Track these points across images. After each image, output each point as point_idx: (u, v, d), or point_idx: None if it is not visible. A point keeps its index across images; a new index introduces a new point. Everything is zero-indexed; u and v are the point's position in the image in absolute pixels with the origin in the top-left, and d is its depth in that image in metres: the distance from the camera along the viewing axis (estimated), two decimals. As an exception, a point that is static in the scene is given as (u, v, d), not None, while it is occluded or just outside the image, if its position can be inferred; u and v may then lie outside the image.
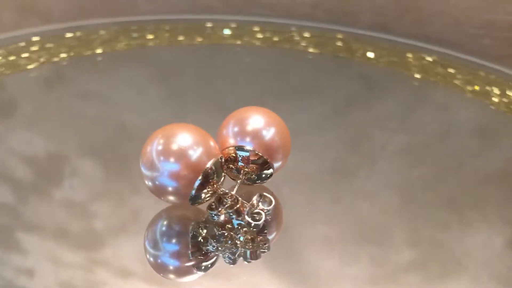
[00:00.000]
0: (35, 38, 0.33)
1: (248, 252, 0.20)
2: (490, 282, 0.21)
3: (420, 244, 0.22)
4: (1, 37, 0.33)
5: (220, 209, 0.20)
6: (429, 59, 0.34)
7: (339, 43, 0.35)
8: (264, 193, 0.20)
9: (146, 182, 0.20)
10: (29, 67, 0.31)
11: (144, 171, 0.20)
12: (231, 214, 0.20)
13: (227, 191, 0.20)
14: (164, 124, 0.27)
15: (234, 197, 0.20)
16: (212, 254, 0.20)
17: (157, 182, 0.20)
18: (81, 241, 0.21)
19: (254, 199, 0.20)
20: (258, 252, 0.20)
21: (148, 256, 0.20)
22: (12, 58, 0.32)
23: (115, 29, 0.35)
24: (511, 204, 0.24)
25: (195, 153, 0.20)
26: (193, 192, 0.20)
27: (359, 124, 0.28)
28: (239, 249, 0.20)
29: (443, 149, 0.27)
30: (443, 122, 0.29)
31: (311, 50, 0.34)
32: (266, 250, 0.20)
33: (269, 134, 0.21)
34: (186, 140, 0.20)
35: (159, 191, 0.20)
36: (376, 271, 0.21)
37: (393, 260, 0.21)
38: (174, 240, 0.21)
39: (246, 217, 0.20)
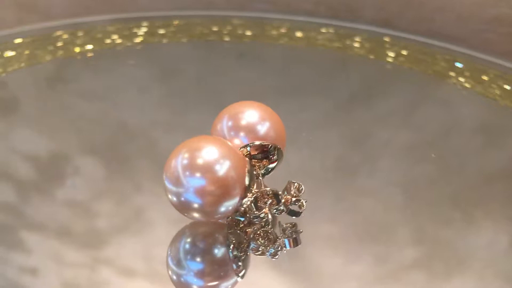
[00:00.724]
0: (35, 35, 0.33)
1: (287, 240, 0.20)
2: (495, 280, 0.21)
3: (424, 242, 0.22)
4: (2, 34, 0.33)
5: (264, 209, 0.20)
6: (432, 54, 0.34)
7: (341, 40, 0.35)
8: (292, 180, 0.20)
9: (170, 197, 0.19)
10: (30, 65, 0.31)
11: (169, 186, 0.19)
12: (277, 209, 0.20)
13: (264, 189, 0.20)
14: (166, 122, 0.28)
15: (273, 192, 0.20)
16: (257, 253, 0.20)
17: (182, 199, 0.19)
18: (84, 240, 0.21)
19: (292, 188, 0.20)
20: (296, 237, 0.20)
21: (170, 273, 0.20)
22: (12, 55, 0.32)
23: (116, 26, 0.35)
24: (515, 201, 0.24)
25: (221, 168, 0.19)
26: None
27: (361, 122, 0.28)
28: (277, 241, 0.20)
29: (447, 146, 0.27)
30: (446, 119, 0.29)
31: (313, 47, 0.34)
32: (301, 231, 0.20)
33: (264, 128, 0.21)
34: (213, 154, 0.19)
35: (183, 207, 0.19)
36: (380, 270, 0.21)
37: (397, 258, 0.21)
38: (198, 259, 0.20)
39: (290, 207, 0.20)
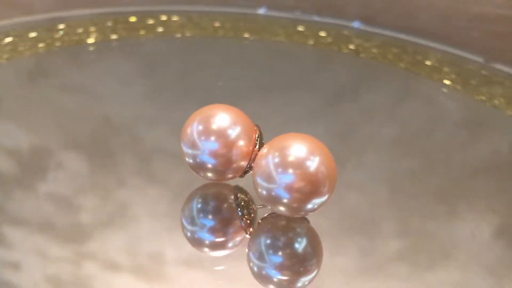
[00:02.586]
0: (16, 30, 0.33)
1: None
2: (478, 272, 0.21)
3: (409, 235, 0.22)
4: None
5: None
6: (417, 51, 0.34)
7: (326, 36, 0.35)
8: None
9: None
10: (11, 59, 0.31)
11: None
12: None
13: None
14: (150, 117, 0.27)
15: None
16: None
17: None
18: (68, 234, 0.21)
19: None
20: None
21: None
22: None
23: (99, 20, 0.34)
24: (498, 195, 0.24)
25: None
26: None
27: (347, 117, 0.28)
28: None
29: (431, 141, 0.27)
30: (431, 115, 0.29)
31: (298, 42, 0.34)
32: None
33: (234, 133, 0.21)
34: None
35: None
36: (365, 262, 0.21)
37: (381, 250, 0.21)
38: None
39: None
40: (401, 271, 0.21)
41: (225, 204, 0.22)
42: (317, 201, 0.19)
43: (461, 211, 0.23)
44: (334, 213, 0.23)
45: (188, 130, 0.21)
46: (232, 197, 0.22)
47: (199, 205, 0.21)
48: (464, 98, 0.30)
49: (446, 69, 0.32)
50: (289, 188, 0.19)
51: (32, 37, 0.33)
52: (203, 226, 0.21)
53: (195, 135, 0.20)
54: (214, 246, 0.21)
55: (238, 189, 0.22)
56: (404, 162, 0.26)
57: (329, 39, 0.35)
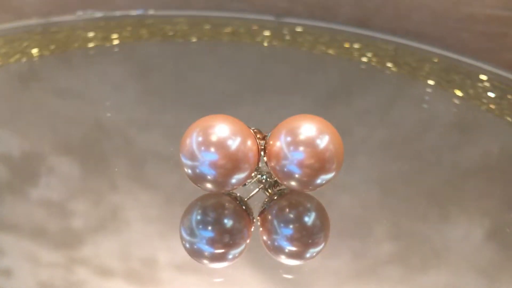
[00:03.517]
0: (7, 35, 0.33)
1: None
2: (470, 273, 0.21)
3: (401, 237, 0.22)
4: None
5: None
6: (408, 53, 0.34)
7: (317, 38, 0.35)
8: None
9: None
10: (2, 64, 0.31)
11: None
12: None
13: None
14: (142, 121, 0.27)
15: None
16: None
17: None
18: (60, 240, 0.21)
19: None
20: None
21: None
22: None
23: (90, 25, 0.34)
24: (489, 197, 0.24)
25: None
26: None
27: (339, 119, 0.28)
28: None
29: (423, 143, 0.27)
30: (422, 117, 0.29)
31: (290, 45, 0.34)
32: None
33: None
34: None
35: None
36: (357, 264, 0.21)
37: (374, 253, 0.21)
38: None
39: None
40: (393, 273, 0.21)
41: (225, 215, 0.22)
42: (325, 177, 0.21)
43: (453, 213, 0.23)
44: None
45: (188, 141, 0.20)
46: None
47: (199, 217, 0.21)
48: (455, 100, 0.30)
49: (436, 70, 0.32)
50: (300, 164, 0.20)
51: (24, 41, 0.32)
52: (202, 238, 0.21)
53: (195, 146, 0.20)
54: (214, 258, 0.21)
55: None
56: (396, 165, 0.26)
57: (319, 41, 0.35)
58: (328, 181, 0.21)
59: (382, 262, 0.21)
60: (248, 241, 0.21)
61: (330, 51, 0.34)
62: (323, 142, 0.20)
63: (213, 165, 0.20)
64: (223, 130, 0.20)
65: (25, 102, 0.29)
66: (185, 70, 0.32)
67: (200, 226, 0.21)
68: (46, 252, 0.20)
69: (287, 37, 0.35)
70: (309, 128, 0.21)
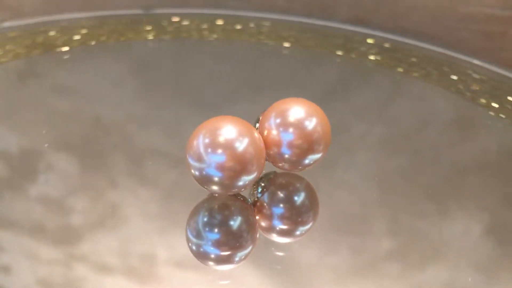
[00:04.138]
0: (6, 33, 0.33)
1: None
2: (469, 270, 0.21)
3: (399, 233, 0.22)
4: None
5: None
6: (407, 51, 0.34)
7: (316, 36, 0.35)
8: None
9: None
10: (1, 61, 0.31)
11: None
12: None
13: None
14: (141, 117, 0.27)
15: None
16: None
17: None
18: (59, 236, 0.21)
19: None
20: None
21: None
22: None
23: (89, 23, 0.34)
24: (488, 193, 0.24)
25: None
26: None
27: (337, 116, 0.28)
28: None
29: (421, 140, 0.27)
30: (420, 114, 0.29)
31: (288, 43, 0.34)
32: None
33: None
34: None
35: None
36: (356, 261, 0.21)
37: (372, 249, 0.21)
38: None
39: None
40: (392, 270, 0.21)
41: (232, 217, 0.21)
42: (313, 157, 0.21)
43: (451, 210, 0.23)
44: (324, 212, 0.23)
45: (195, 143, 0.20)
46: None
47: (205, 219, 0.21)
48: (454, 97, 0.30)
49: (435, 69, 0.33)
50: (289, 146, 0.21)
51: (22, 39, 0.32)
52: (208, 240, 0.21)
53: (202, 148, 0.20)
54: (220, 260, 0.21)
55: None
56: (394, 161, 0.26)
57: (318, 40, 0.35)
58: (316, 161, 0.22)
59: (381, 259, 0.21)
60: (255, 242, 0.21)
61: (326, 49, 0.34)
62: (311, 123, 0.21)
63: (220, 167, 0.20)
64: (230, 132, 0.20)
65: (24, 100, 0.29)
66: (183, 67, 0.32)
67: (207, 228, 0.21)
68: (45, 249, 0.20)
69: (284, 35, 0.35)
70: (298, 111, 0.21)
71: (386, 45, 0.34)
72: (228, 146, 0.20)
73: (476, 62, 0.33)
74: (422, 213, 0.23)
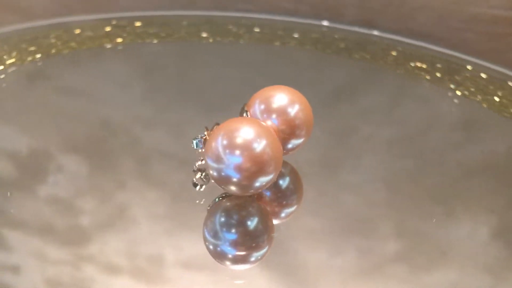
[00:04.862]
0: (16, 35, 0.33)
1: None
2: (475, 272, 0.21)
3: (406, 235, 0.22)
4: (-18, 34, 0.33)
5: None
6: (413, 53, 0.34)
7: (323, 38, 0.35)
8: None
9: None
10: (10, 63, 0.31)
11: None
12: None
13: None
14: (148, 119, 0.28)
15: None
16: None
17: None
18: (67, 237, 0.21)
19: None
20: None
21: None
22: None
23: (97, 25, 0.34)
24: (494, 195, 0.24)
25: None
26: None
27: (344, 117, 0.29)
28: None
29: (428, 142, 0.27)
30: (427, 116, 0.29)
31: (295, 44, 0.34)
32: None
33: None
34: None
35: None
36: (363, 263, 0.21)
37: (379, 251, 0.21)
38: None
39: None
40: (398, 272, 0.21)
41: (249, 217, 0.22)
42: (295, 142, 0.22)
43: (458, 212, 0.23)
44: (331, 213, 0.23)
45: (213, 144, 0.21)
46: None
47: (223, 219, 0.22)
48: (461, 99, 0.30)
49: (441, 70, 0.33)
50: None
51: (31, 42, 0.33)
52: (226, 240, 0.21)
53: (220, 149, 0.20)
54: (236, 260, 0.21)
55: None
56: (401, 163, 0.26)
57: (325, 41, 0.35)
58: (298, 146, 0.23)
59: (388, 261, 0.21)
60: (271, 243, 0.21)
61: (333, 50, 0.34)
62: (293, 110, 0.22)
63: (238, 168, 0.20)
64: (248, 133, 0.20)
65: (33, 101, 0.29)
66: (190, 69, 0.32)
67: (224, 229, 0.21)
68: (54, 249, 0.21)
69: (291, 37, 0.35)
70: (281, 98, 0.23)
71: (392, 46, 0.34)
72: (246, 147, 0.20)
73: (481, 63, 0.33)
74: (429, 215, 0.23)
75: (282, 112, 0.22)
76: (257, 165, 0.20)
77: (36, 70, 0.31)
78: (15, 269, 0.20)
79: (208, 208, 0.22)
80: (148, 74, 0.31)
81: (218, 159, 0.20)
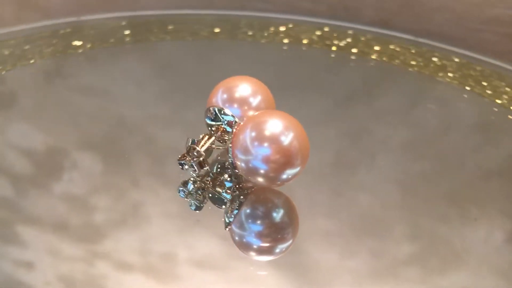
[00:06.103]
0: (35, 33, 0.33)
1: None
2: (490, 276, 0.21)
3: (420, 238, 0.22)
4: (2, 32, 0.33)
5: (187, 158, 0.22)
6: (431, 54, 0.34)
7: (339, 38, 0.35)
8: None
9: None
10: (29, 61, 0.31)
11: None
12: (194, 165, 0.22)
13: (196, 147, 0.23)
14: (164, 118, 0.28)
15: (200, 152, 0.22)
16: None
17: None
18: (81, 234, 0.21)
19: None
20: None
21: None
22: (12, 52, 0.32)
23: (115, 24, 0.35)
24: (511, 198, 0.24)
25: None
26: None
27: (360, 118, 0.28)
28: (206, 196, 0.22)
29: (444, 144, 0.27)
30: (444, 117, 0.29)
31: (312, 45, 0.34)
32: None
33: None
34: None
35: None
36: (376, 264, 0.21)
37: (393, 253, 0.21)
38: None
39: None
40: (412, 274, 0.21)
41: (274, 209, 0.22)
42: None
43: (473, 215, 0.23)
44: (345, 215, 0.23)
45: (241, 136, 0.21)
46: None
47: (248, 210, 0.22)
48: (478, 101, 0.30)
49: (459, 71, 0.32)
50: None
51: (50, 40, 0.33)
52: (251, 231, 0.21)
53: (248, 141, 0.21)
54: (261, 251, 0.21)
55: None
56: (416, 165, 0.26)
57: (342, 41, 0.34)
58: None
59: (401, 263, 0.21)
60: (296, 235, 0.21)
61: (349, 51, 0.34)
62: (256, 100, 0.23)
63: (266, 159, 0.20)
64: (276, 125, 0.21)
65: (50, 99, 0.29)
66: (206, 68, 0.32)
67: (250, 220, 0.22)
68: (68, 246, 0.21)
69: (308, 37, 0.35)
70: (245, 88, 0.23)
71: (409, 46, 0.34)
72: (274, 140, 0.20)
73: (500, 64, 0.32)
74: (444, 218, 0.23)
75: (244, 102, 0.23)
76: (285, 158, 0.20)
77: (54, 68, 0.31)
78: (29, 265, 0.20)
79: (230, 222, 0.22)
80: (164, 73, 0.31)
81: (246, 150, 0.20)
